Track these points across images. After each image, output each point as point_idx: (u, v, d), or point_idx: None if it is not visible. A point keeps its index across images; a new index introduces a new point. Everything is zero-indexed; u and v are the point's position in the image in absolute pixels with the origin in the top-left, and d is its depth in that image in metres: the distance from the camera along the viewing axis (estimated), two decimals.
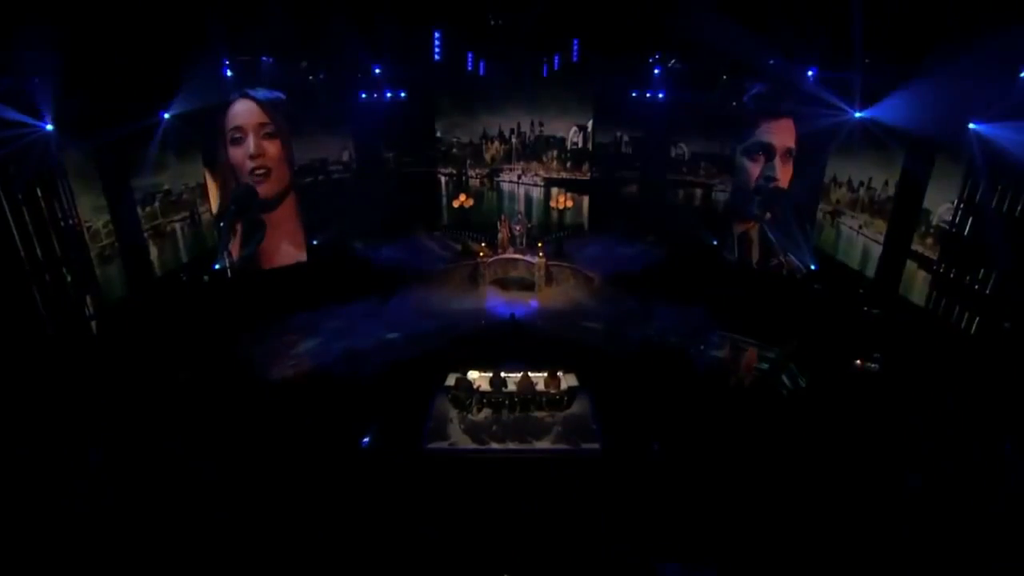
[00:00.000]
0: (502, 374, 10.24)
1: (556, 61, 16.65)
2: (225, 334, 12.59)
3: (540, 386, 10.20)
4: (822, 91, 12.94)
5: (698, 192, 19.42)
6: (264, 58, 14.35)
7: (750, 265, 16.38)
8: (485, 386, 10.19)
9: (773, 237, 15.39)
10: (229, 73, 14.15)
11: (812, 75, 12.97)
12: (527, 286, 15.88)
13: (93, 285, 11.87)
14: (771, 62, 13.11)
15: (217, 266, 15.37)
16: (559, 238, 18.66)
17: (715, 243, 17.50)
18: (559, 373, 10.31)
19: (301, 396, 10.54)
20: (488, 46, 16.19)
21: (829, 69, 12.92)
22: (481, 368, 10.66)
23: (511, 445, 9.46)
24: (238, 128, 15.00)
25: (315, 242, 17.57)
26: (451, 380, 10.32)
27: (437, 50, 14.61)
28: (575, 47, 15.46)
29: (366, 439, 9.40)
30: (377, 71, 16.44)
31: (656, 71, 16.35)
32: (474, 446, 9.45)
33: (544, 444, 9.49)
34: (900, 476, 8.63)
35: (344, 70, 16.16)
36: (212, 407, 9.94)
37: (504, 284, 16.06)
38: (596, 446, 9.44)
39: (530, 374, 10.33)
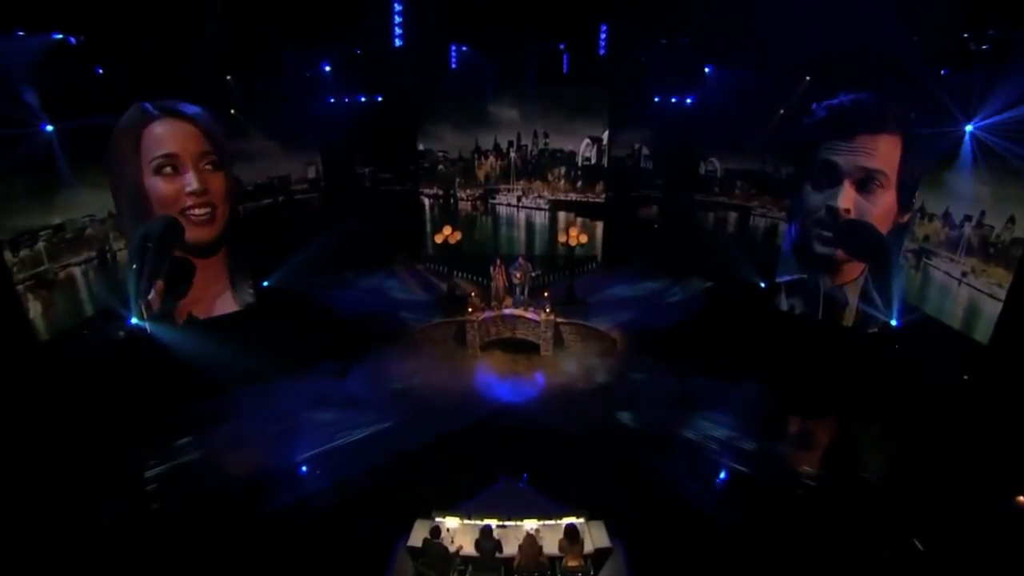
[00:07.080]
0: (494, 527, 6.76)
1: (602, 45, 13.45)
2: (99, 434, 9.10)
3: (552, 546, 6.71)
4: (934, 97, 9.58)
5: (732, 216, 16.54)
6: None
7: (817, 320, 12.90)
8: (468, 547, 6.70)
9: (878, 295, 11.87)
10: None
11: (943, 75, 9.49)
12: (530, 350, 12.30)
13: None
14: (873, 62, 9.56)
15: (133, 320, 12.07)
16: (570, 279, 15.18)
17: (764, 286, 14.02)
18: (580, 524, 6.85)
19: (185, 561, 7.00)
20: (479, 32, 12.79)
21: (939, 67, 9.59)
22: (461, 511, 7.19)
23: None
24: (171, 156, 11.53)
25: (265, 284, 14.24)
26: (417, 536, 6.81)
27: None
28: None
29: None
30: (327, 68, 12.99)
31: (708, 69, 12.95)
32: None
33: None
34: None
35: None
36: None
37: (500, 349, 12.42)
38: None
39: (536, 528, 6.87)
